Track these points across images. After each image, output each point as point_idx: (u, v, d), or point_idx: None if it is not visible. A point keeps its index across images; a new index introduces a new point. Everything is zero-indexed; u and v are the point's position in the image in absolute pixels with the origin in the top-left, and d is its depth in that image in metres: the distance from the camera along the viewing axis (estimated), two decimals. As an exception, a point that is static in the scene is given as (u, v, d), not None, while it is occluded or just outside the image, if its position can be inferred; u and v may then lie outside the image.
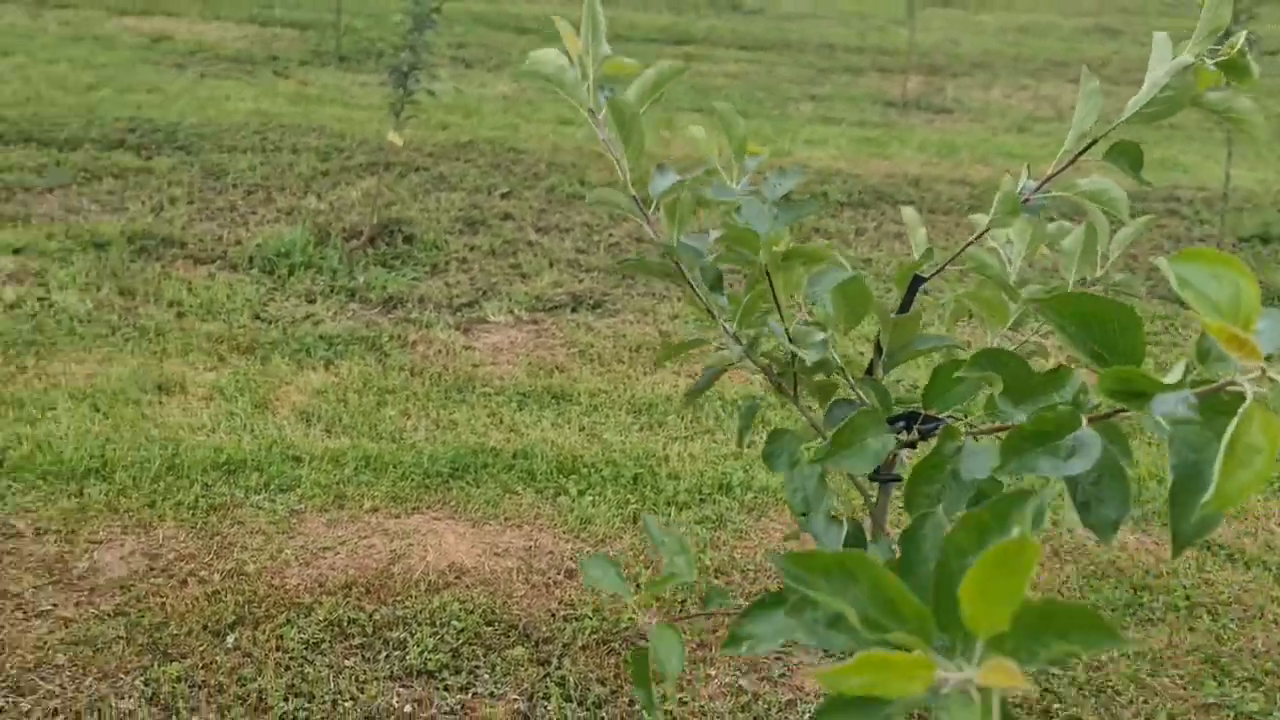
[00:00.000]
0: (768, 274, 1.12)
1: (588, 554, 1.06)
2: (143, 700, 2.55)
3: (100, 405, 3.86)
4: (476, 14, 12.11)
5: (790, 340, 1.14)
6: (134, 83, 8.40)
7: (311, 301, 4.97)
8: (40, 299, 4.68)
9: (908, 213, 1.32)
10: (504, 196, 6.55)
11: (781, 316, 1.17)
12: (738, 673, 2.79)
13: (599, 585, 0.98)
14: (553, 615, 2.93)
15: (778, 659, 2.86)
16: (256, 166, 6.61)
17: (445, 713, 2.60)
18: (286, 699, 2.58)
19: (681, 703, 2.68)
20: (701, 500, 3.53)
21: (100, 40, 9.93)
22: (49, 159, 6.41)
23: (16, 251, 5.14)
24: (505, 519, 3.35)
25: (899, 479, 1.14)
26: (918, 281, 1.15)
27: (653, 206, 1.32)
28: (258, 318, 4.76)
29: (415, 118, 5.71)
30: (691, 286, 1.21)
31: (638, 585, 3.06)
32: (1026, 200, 1.17)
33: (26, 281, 4.85)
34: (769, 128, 8.78)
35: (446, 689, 2.66)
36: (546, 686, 2.68)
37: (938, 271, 1.17)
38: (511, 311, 5.01)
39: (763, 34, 13.35)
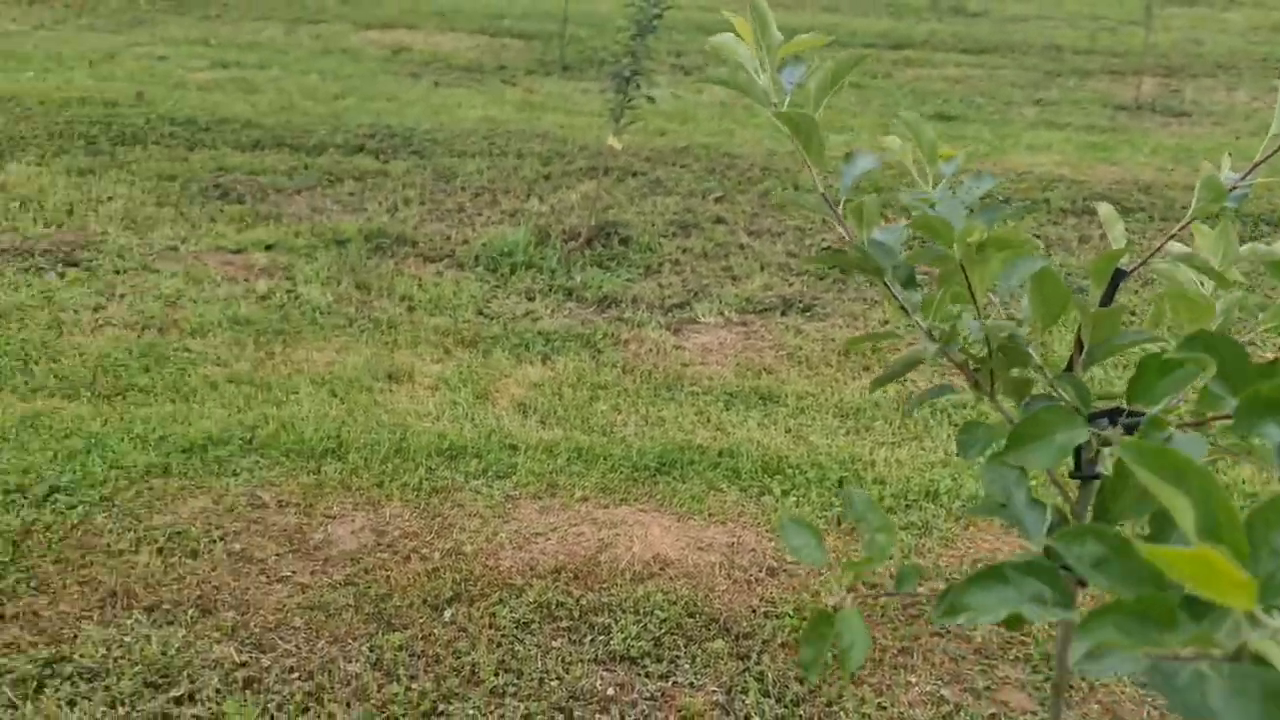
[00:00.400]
0: (963, 268, 1.13)
1: (789, 518, 1.08)
2: (368, 665, 2.74)
3: (337, 391, 4.15)
4: (695, 22, 12.27)
5: (986, 334, 1.14)
6: (375, 91, 8.93)
7: (531, 299, 5.18)
8: (288, 291, 5.05)
9: (1103, 208, 1.29)
10: (717, 200, 6.63)
11: (978, 311, 1.17)
12: (939, 681, 2.75)
13: (798, 553, 1.00)
14: (753, 611, 2.97)
15: (982, 671, 2.81)
16: (484, 170, 6.92)
17: (646, 699, 2.67)
18: (497, 674, 2.72)
19: (880, 708, 2.67)
20: (907, 506, 3.49)
21: (347, 53, 10.60)
22: (299, 162, 6.90)
23: (269, 247, 5.57)
24: (709, 515, 3.42)
25: (1100, 476, 1.12)
26: (1119, 275, 1.13)
27: (841, 204, 1.33)
28: (481, 313, 5.00)
29: (634, 123, 5.86)
30: (885, 283, 1.23)
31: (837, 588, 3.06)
32: (1233, 189, 1.13)
33: (276, 275, 5.25)
34: (988, 132, 8.54)
35: (647, 676, 2.74)
36: (745, 681, 2.72)
37: (1140, 264, 1.15)
38: (721, 313, 5.08)
39: (985, 37, 12.97)
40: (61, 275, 5.06)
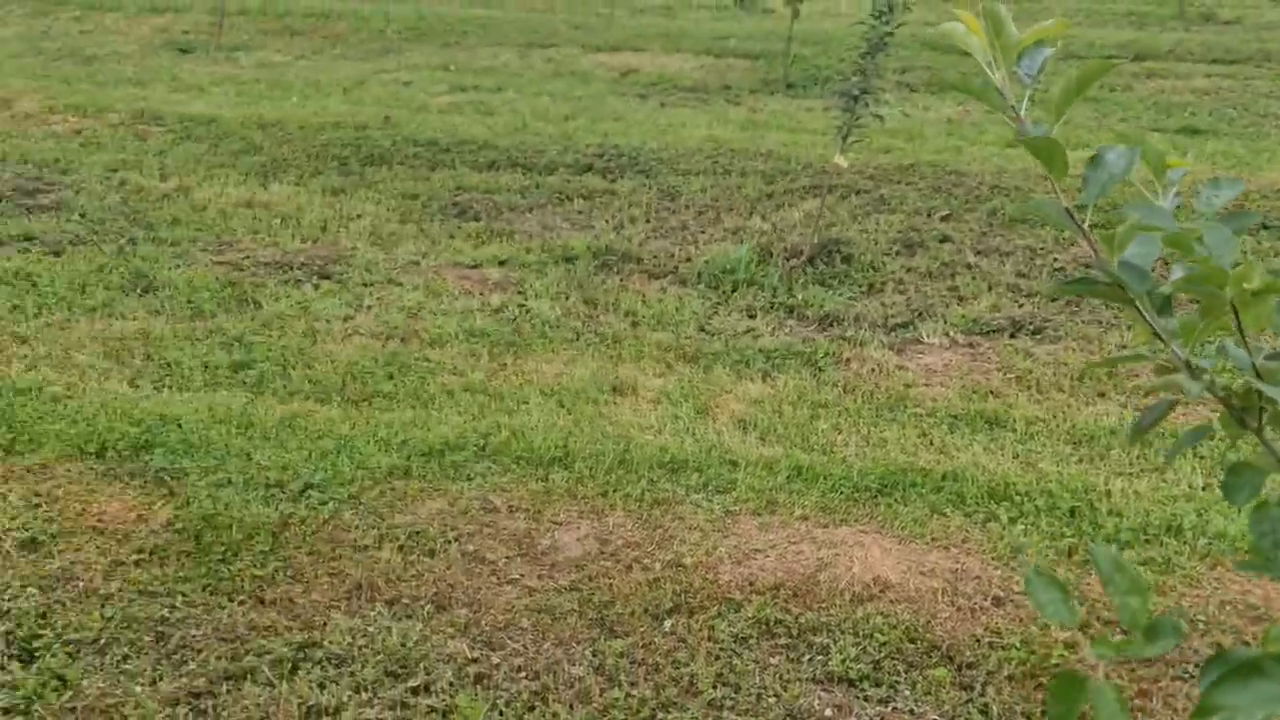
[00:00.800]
0: (1233, 307, 1.07)
1: (1031, 567, 1.02)
2: (591, 669, 2.83)
3: (565, 402, 4.30)
4: (923, 38, 12.04)
5: (1258, 376, 1.08)
6: (604, 112, 9.19)
7: (752, 317, 5.21)
8: (519, 305, 5.27)
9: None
10: (944, 219, 6.49)
11: (1248, 350, 1.11)
12: (1178, 727, 2.61)
13: (1044, 610, 0.96)
14: (978, 641, 2.90)
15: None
16: (707, 188, 7.01)
17: (864, 721, 2.65)
18: (715, 686, 2.75)
19: (1112, 750, 2.55)
20: (1146, 541, 3.32)
21: (577, 75, 10.95)
22: (531, 182, 7.18)
23: (502, 263, 5.82)
24: (932, 539, 3.35)
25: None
26: None
27: (1086, 219, 1.26)
28: (703, 330, 5.06)
29: (859, 141, 5.81)
30: (1138, 309, 1.18)
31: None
32: None
33: (509, 290, 5.49)
34: (1240, 146, 8.02)
35: (866, 699, 2.72)
36: (969, 712, 2.66)
37: None
38: (946, 334, 4.97)
39: (1238, 46, 12.17)
40: (316, 287, 5.44)
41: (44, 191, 6.85)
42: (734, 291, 5.47)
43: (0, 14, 13.93)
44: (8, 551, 3.19)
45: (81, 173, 7.22)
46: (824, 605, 3.04)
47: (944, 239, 6.15)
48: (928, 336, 4.95)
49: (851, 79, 5.66)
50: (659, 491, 3.61)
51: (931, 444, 3.97)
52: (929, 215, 6.54)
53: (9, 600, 2.99)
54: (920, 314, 5.18)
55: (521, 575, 3.20)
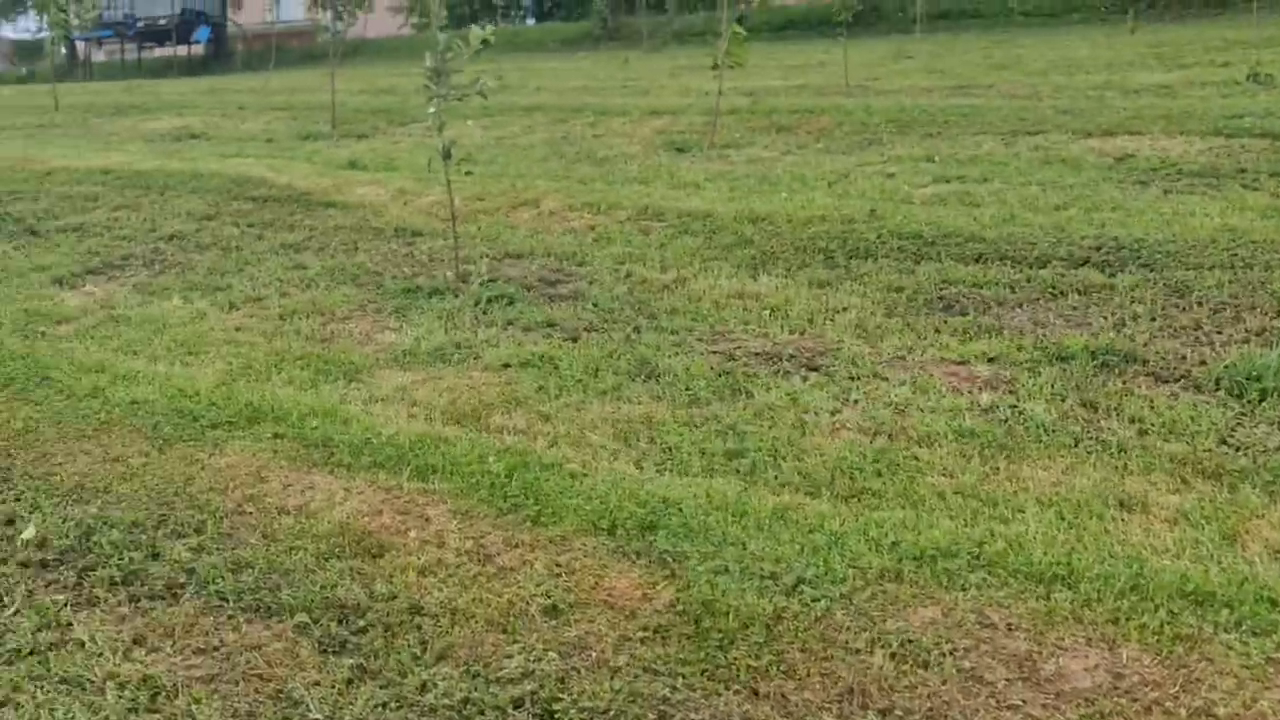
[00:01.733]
0: None
1: None
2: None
3: (1064, 514, 4.02)
4: None
5: None
6: (1099, 201, 8.68)
7: (1286, 431, 4.62)
8: (1011, 406, 5.04)
9: None
10: None
11: None
12: None
13: None
14: None
15: None
16: (1224, 284, 6.37)
17: None
18: None
19: None
20: None
21: (1067, 162, 10.46)
22: (1021, 275, 6.90)
23: (991, 360, 5.62)
24: None
25: None
26: None
27: None
28: (1224, 443, 4.56)
29: None
30: None
31: None
32: None
33: (999, 389, 5.27)
34: None
35: None
36: None
37: None
38: None
39: None
40: (804, 379, 5.54)
41: (563, 282, 7.61)
42: (1262, 401, 4.89)
43: (529, 123, 15.83)
44: (532, 615, 3.49)
45: (594, 265, 7.95)
46: (1401, 788, 2.56)
47: None
48: None
49: None
50: (1181, 626, 3.24)
51: None
52: None
53: (533, 662, 3.26)
54: None
55: (1023, 701, 3.00)
